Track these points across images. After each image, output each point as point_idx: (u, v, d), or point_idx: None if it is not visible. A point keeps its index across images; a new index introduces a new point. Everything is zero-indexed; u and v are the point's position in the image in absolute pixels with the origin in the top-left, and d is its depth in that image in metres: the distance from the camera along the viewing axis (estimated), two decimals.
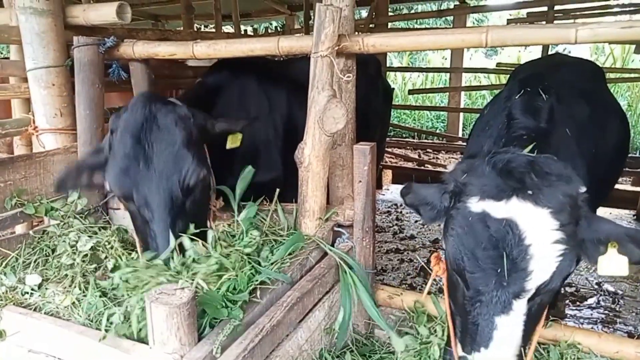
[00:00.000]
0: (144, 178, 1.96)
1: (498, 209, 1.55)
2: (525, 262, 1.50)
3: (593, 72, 3.55)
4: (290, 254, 2.09)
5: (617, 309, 4.10)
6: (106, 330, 1.60)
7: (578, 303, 4.19)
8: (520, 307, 1.55)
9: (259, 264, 1.96)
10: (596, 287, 4.45)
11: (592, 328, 3.78)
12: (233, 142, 2.46)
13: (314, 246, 2.22)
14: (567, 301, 4.17)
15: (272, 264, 1.99)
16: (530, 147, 1.95)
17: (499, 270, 1.52)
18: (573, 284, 4.46)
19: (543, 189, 1.55)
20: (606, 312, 4.06)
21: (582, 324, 3.87)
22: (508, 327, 1.55)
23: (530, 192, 1.55)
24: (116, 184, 2.00)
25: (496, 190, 1.57)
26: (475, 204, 1.59)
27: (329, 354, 2.04)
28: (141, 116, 2.05)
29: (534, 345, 1.71)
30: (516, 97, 2.32)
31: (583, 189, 1.62)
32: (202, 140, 2.24)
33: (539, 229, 1.51)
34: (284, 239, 2.21)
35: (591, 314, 4.03)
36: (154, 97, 2.23)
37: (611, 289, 4.43)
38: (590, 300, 4.23)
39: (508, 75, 4.10)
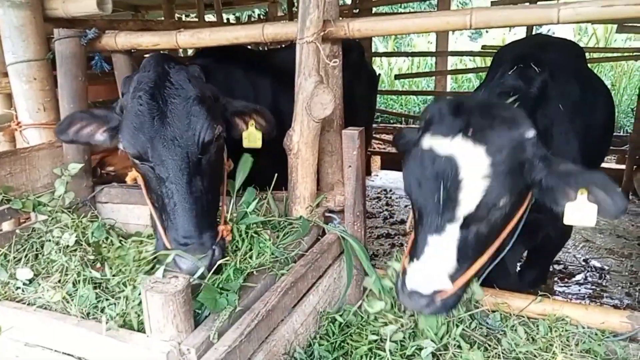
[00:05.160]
0: (159, 135, 1.91)
1: (442, 146, 1.75)
2: (456, 193, 1.70)
3: (577, 52, 3.59)
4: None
5: (604, 284, 4.20)
6: (102, 321, 1.60)
7: (566, 280, 4.29)
8: (451, 230, 1.75)
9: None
10: (583, 263, 4.55)
11: (580, 303, 3.87)
12: (250, 140, 2.36)
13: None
14: (555, 278, 4.26)
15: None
16: (511, 99, 2.08)
17: (436, 198, 1.73)
18: (561, 262, 4.56)
19: (485, 129, 1.73)
20: (593, 287, 4.16)
21: (570, 299, 3.96)
22: (439, 245, 1.76)
23: (471, 131, 1.72)
24: (131, 141, 1.95)
25: (444, 129, 1.77)
26: (426, 141, 1.80)
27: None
28: (154, 74, 2.01)
29: (471, 272, 1.82)
30: (509, 73, 2.37)
31: (531, 133, 1.77)
32: (218, 110, 2.18)
33: (471, 165, 1.69)
34: (290, 224, 2.28)
35: (579, 290, 4.13)
36: (166, 56, 2.19)
37: (598, 264, 4.53)
38: (578, 277, 4.33)
39: (492, 59, 4.12)
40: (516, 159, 1.73)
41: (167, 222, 1.94)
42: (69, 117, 2.26)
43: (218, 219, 2.09)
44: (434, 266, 1.77)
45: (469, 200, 1.70)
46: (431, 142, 1.79)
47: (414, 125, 10.05)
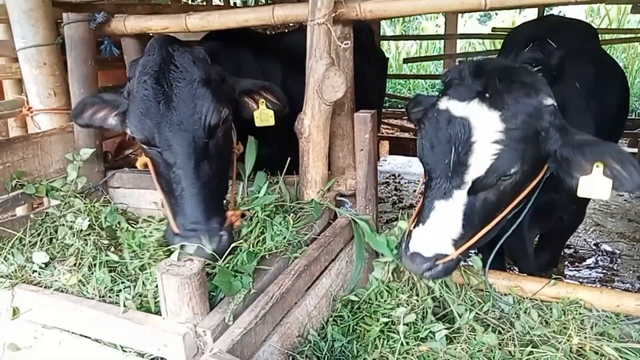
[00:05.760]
0: (165, 119, 1.91)
1: (458, 108, 1.72)
2: (466, 157, 1.68)
3: (590, 33, 3.53)
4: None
5: (615, 268, 4.18)
6: (118, 304, 1.61)
7: (577, 264, 4.27)
8: (459, 196, 1.73)
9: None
10: (594, 247, 4.53)
11: (594, 286, 3.86)
12: (262, 119, 2.32)
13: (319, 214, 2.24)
14: (566, 262, 4.25)
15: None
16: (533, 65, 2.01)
17: (446, 161, 1.71)
18: (572, 246, 4.53)
19: (502, 93, 1.69)
20: (604, 271, 4.14)
21: (581, 283, 3.94)
22: (445, 210, 1.75)
23: (488, 95, 1.69)
24: (138, 127, 1.96)
25: (462, 92, 1.74)
26: (443, 103, 1.77)
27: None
28: (159, 57, 2.00)
29: (474, 240, 1.82)
30: (525, 51, 2.32)
31: (549, 101, 1.73)
32: (225, 92, 2.18)
33: (484, 129, 1.66)
34: (302, 208, 2.26)
35: (590, 274, 4.11)
36: (171, 39, 2.18)
37: (609, 248, 4.50)
38: (589, 261, 4.31)
39: (503, 41, 4.06)
40: (532, 126, 1.70)
41: (175, 207, 1.95)
42: (81, 103, 2.29)
43: (227, 203, 2.09)
44: (438, 230, 1.77)
45: (478, 165, 1.68)
46: (447, 103, 1.76)
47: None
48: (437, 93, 1.91)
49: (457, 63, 2.06)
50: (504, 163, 1.67)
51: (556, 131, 1.73)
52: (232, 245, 1.89)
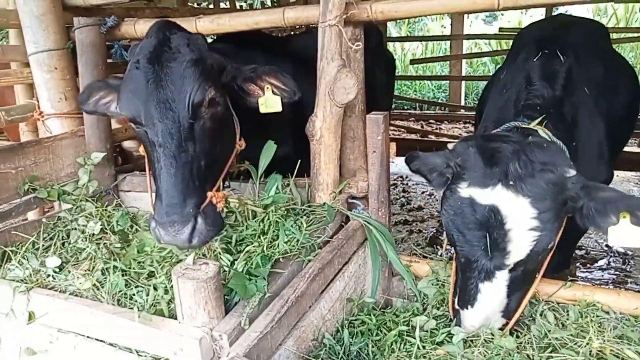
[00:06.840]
0: (151, 97, 1.90)
1: (483, 196, 1.73)
2: (504, 243, 1.71)
3: (601, 32, 3.50)
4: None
5: (628, 269, 4.13)
6: (134, 308, 1.61)
7: (588, 265, 4.23)
8: (502, 276, 1.79)
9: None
10: (606, 248, 4.48)
11: (611, 288, 3.81)
12: (268, 105, 2.20)
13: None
14: (577, 264, 4.20)
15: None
16: (539, 119, 2.06)
17: (482, 247, 1.75)
18: (583, 247, 4.49)
19: (526, 178, 1.70)
20: (617, 272, 4.10)
21: (593, 285, 3.90)
22: (491, 291, 1.81)
23: (512, 182, 1.70)
24: (125, 104, 1.96)
25: (483, 179, 1.75)
26: (464, 190, 1.78)
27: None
28: (155, 40, 2.00)
29: (523, 304, 1.91)
30: (534, 60, 2.29)
31: (571, 173, 1.75)
32: (219, 78, 2.15)
33: (517, 217, 1.69)
34: (313, 211, 2.25)
35: (602, 275, 4.07)
36: (170, 24, 2.16)
37: (621, 250, 4.45)
38: (601, 262, 4.26)
39: (510, 41, 4.04)
40: (560, 201, 1.73)
41: (158, 191, 1.90)
42: (88, 88, 2.30)
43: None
44: (490, 311, 1.85)
45: (517, 251, 1.72)
46: (470, 191, 1.77)
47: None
48: (444, 158, 1.92)
49: (461, 141, 2.02)
50: (543, 243, 1.72)
51: (580, 190, 1.74)
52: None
